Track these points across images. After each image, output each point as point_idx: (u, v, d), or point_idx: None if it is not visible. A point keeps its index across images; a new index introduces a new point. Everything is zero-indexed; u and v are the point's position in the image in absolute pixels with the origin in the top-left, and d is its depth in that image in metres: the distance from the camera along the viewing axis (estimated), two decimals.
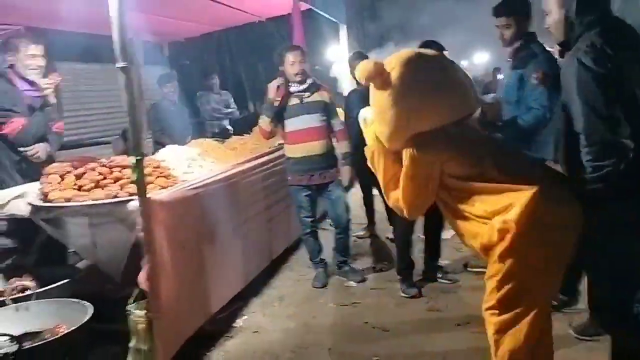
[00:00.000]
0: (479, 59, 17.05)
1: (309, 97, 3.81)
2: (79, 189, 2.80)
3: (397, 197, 2.18)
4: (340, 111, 5.09)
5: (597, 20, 2.04)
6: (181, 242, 2.86)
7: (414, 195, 2.14)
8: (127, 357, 2.76)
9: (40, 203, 2.79)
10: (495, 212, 1.98)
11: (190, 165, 3.38)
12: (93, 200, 2.74)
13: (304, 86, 3.80)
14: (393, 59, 2.17)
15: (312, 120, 3.78)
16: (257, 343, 3.11)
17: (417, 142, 2.09)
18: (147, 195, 2.62)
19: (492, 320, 2.08)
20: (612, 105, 1.90)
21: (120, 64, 2.46)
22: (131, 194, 2.71)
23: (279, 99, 3.77)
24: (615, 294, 2.15)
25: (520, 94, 3.37)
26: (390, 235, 4.89)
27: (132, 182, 2.66)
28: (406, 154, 2.10)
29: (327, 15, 6.20)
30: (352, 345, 3.07)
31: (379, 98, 2.15)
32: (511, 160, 2.15)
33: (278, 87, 3.75)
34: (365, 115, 2.36)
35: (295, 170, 3.87)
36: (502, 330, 2.05)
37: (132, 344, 2.73)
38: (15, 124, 3.34)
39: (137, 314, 2.69)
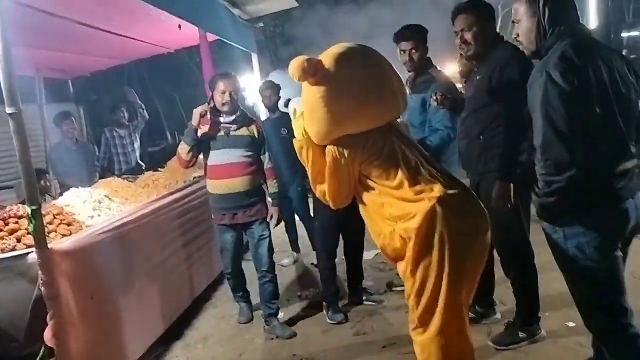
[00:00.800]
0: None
1: (236, 130, 3.50)
2: None
3: (323, 190, 2.26)
4: None
5: (569, 31, 2.01)
6: (90, 292, 2.70)
7: (337, 189, 2.22)
8: None
9: None
10: (400, 218, 2.09)
11: (97, 208, 3.21)
12: None
13: (232, 118, 3.47)
14: (330, 56, 2.14)
15: (236, 156, 3.45)
16: None
17: (340, 142, 2.15)
18: (49, 246, 2.47)
19: (417, 340, 2.16)
20: (571, 125, 1.89)
21: (9, 110, 2.32)
22: (30, 246, 2.53)
23: (204, 127, 3.45)
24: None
25: (423, 117, 3.54)
26: (315, 262, 4.90)
27: (29, 234, 2.49)
28: (329, 152, 2.17)
29: (237, 45, 6.20)
30: None
31: (311, 96, 2.16)
32: (424, 168, 2.19)
33: (203, 114, 3.41)
34: (295, 106, 2.35)
35: (218, 209, 3.56)
36: (426, 347, 2.11)
37: None
38: None
39: None
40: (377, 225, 2.22)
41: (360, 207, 2.32)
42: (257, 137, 3.58)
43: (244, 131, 3.53)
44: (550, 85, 1.90)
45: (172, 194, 3.96)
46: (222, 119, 3.47)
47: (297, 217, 5.12)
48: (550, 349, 2.89)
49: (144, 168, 5.76)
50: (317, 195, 2.34)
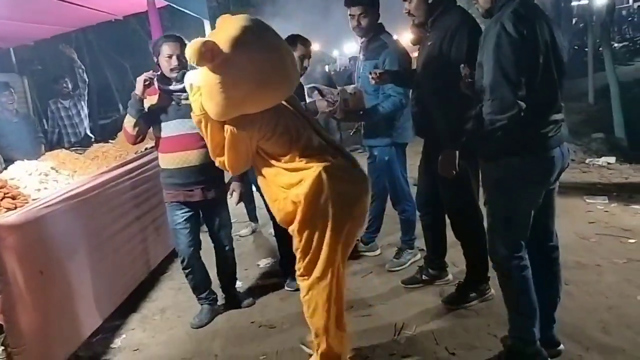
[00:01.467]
0: (348, 49, 17.85)
1: (187, 98, 2.92)
2: None
3: (222, 161, 2.43)
4: None
5: None
6: (38, 266, 2.62)
7: (235, 160, 2.39)
8: None
9: None
10: (291, 185, 2.34)
11: (43, 181, 3.10)
12: None
13: (181, 85, 2.99)
14: (228, 40, 2.13)
15: (190, 126, 2.95)
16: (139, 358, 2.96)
17: (237, 121, 2.29)
18: None
19: (302, 285, 2.47)
20: (518, 69, 2.16)
21: None
22: None
23: (150, 97, 3.13)
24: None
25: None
26: (272, 231, 4.91)
27: None
28: (227, 129, 2.30)
29: (187, 11, 6.00)
30: (240, 347, 3.03)
31: (209, 79, 2.19)
32: (314, 140, 2.40)
33: (147, 81, 3.07)
34: (192, 81, 2.34)
35: (170, 184, 3.19)
36: (308, 291, 2.45)
37: None
38: None
39: None
40: (273, 192, 2.44)
41: (258, 176, 2.49)
42: None
43: None
44: (502, 33, 2.17)
45: (122, 165, 3.85)
46: (171, 87, 3.09)
47: (253, 187, 5.09)
48: (499, 307, 2.98)
49: (93, 140, 5.57)
50: (217, 164, 2.49)
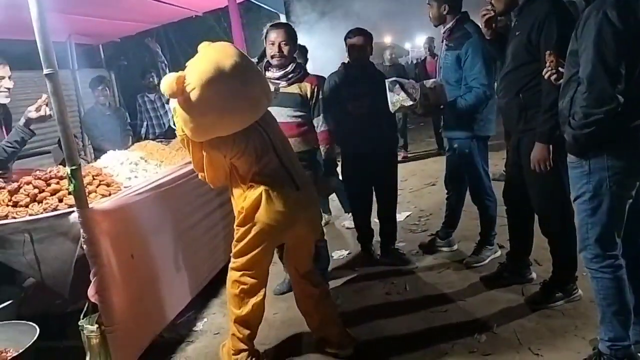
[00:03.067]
0: (420, 41, 17.67)
1: (285, 87, 3.21)
2: (15, 205, 2.65)
3: (203, 175, 2.68)
4: None
5: None
6: (130, 250, 2.77)
7: (213, 176, 2.65)
8: None
9: None
10: (243, 197, 2.63)
11: (134, 170, 3.26)
12: (31, 215, 2.60)
13: (281, 72, 3.17)
14: (194, 78, 2.36)
15: (282, 115, 3.11)
16: (218, 345, 3.05)
17: (212, 142, 2.54)
18: (89, 205, 2.53)
19: (230, 267, 2.75)
20: (619, 61, 2.06)
21: (46, 71, 2.35)
22: (71, 206, 2.59)
23: None
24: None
25: (459, 74, 3.46)
26: (346, 224, 4.93)
27: (70, 193, 2.55)
28: (204, 149, 2.56)
29: (265, 6, 6.11)
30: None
31: (181, 108, 2.43)
32: (269, 162, 2.61)
33: None
34: (174, 105, 2.54)
35: None
36: (233, 283, 2.72)
37: (87, 359, 2.64)
38: None
39: (89, 328, 2.60)
40: (235, 196, 2.71)
41: (231, 186, 2.73)
42: (308, 96, 3.24)
43: (294, 88, 3.22)
44: (605, 22, 2.05)
45: None
46: (270, 74, 3.19)
47: None
48: (587, 308, 2.87)
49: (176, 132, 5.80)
50: (200, 177, 2.73)
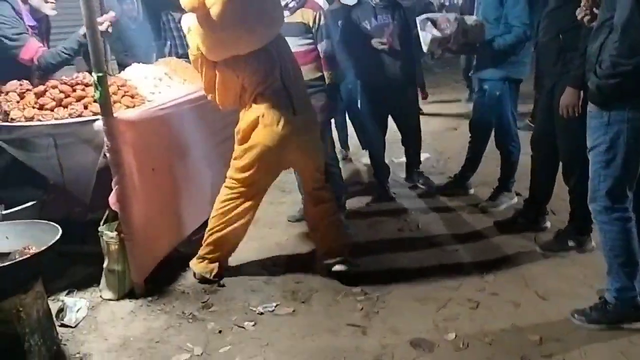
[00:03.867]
0: None
1: (288, 16, 3.26)
2: (41, 108, 2.67)
3: (213, 96, 2.73)
4: None
5: None
6: (151, 163, 2.80)
7: (225, 97, 2.71)
8: (100, 278, 2.79)
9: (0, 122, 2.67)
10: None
11: (157, 85, 3.24)
12: (56, 119, 2.62)
13: (282, 3, 3.20)
14: None
15: (296, 44, 3.22)
16: (232, 262, 3.13)
17: (226, 62, 2.59)
18: (114, 115, 2.54)
19: (222, 193, 2.84)
20: None
21: None
22: (96, 113, 2.61)
23: None
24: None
25: (499, 12, 3.35)
26: (364, 160, 4.92)
27: (95, 101, 2.55)
28: (219, 69, 2.62)
29: None
30: (326, 262, 3.12)
31: (201, 23, 2.46)
32: (273, 84, 2.64)
33: None
34: (190, 24, 2.59)
35: None
36: (224, 201, 2.83)
37: (105, 264, 2.74)
38: (32, 47, 3.03)
39: (109, 235, 2.69)
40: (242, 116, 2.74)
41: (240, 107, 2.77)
42: (310, 23, 3.35)
43: (297, 17, 3.33)
44: None
45: None
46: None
47: (346, 115, 5.07)
48: (597, 260, 2.85)
49: None
50: (209, 99, 2.79)
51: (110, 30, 3.19)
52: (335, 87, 3.52)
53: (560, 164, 3.04)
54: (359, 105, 4.21)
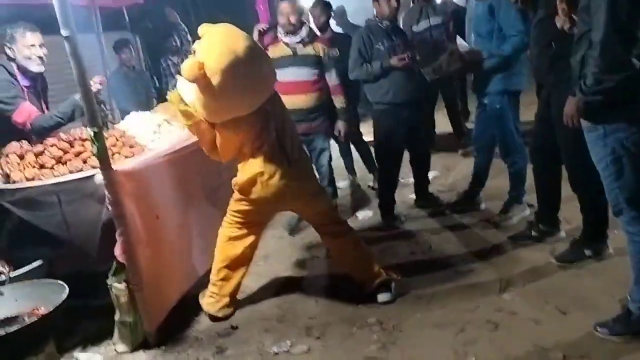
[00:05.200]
0: None
1: (302, 49, 3.74)
2: (41, 167, 2.70)
3: (216, 154, 2.80)
4: None
5: None
6: (155, 211, 2.80)
7: (225, 152, 2.78)
8: (113, 331, 2.77)
9: (2, 185, 2.69)
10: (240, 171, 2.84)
11: (157, 131, 3.27)
12: (56, 177, 2.65)
13: (298, 37, 3.72)
14: (212, 63, 2.47)
15: (302, 74, 3.74)
16: (244, 303, 3.11)
17: (225, 124, 2.68)
18: (113, 167, 2.55)
19: (221, 231, 2.97)
20: (633, 22, 1.94)
21: (64, 33, 2.34)
22: (95, 167, 2.62)
23: (271, 47, 3.71)
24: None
25: (490, 25, 3.36)
26: (371, 184, 4.89)
27: (93, 155, 2.57)
28: (220, 131, 2.70)
29: None
30: (339, 295, 3.07)
31: (201, 94, 2.54)
32: (267, 139, 2.74)
33: (261, 31, 3.68)
34: (182, 90, 2.68)
35: None
36: (225, 237, 2.94)
37: (116, 317, 2.72)
38: (25, 110, 3.08)
39: (117, 287, 2.67)
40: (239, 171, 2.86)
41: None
42: (321, 54, 3.78)
43: (309, 49, 3.75)
44: None
45: None
46: (288, 39, 3.70)
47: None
48: (617, 266, 2.79)
49: None
50: (211, 157, 2.84)
51: (101, 92, 3.24)
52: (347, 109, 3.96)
53: (565, 172, 2.98)
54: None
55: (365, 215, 4.29)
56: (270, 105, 2.78)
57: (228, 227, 2.93)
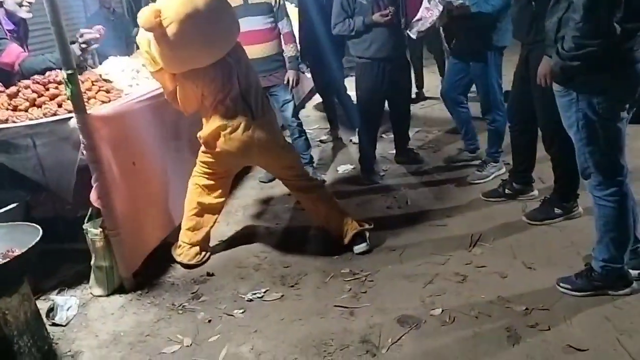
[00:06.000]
0: None
1: None
2: (14, 109, 2.65)
3: (177, 104, 2.79)
4: (293, 9, 4.89)
5: None
6: (131, 157, 2.79)
7: (187, 105, 2.78)
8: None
9: None
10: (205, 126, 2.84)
11: (135, 77, 3.22)
12: (30, 119, 2.61)
13: None
14: (170, 12, 2.42)
15: (256, 23, 3.67)
16: (221, 251, 3.15)
17: (184, 75, 2.67)
18: (87, 111, 2.52)
19: (191, 180, 2.99)
20: None
21: None
22: (70, 111, 2.58)
23: None
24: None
25: None
26: (353, 139, 4.89)
27: (68, 99, 2.53)
28: (179, 81, 2.70)
29: None
30: (315, 246, 3.13)
31: (160, 40, 2.50)
32: (231, 94, 2.74)
33: None
34: (143, 40, 2.65)
35: None
36: (195, 187, 2.97)
37: (92, 261, 2.75)
38: (14, 51, 3.00)
39: (93, 232, 2.69)
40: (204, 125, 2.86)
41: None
42: (273, 2, 3.72)
43: None
44: None
45: None
46: None
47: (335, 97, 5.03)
48: (585, 226, 2.86)
49: None
50: (174, 107, 2.83)
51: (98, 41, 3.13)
52: (298, 58, 3.98)
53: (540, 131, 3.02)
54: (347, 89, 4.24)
55: (345, 169, 4.32)
56: (233, 57, 2.74)
57: (197, 177, 2.96)
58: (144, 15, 2.43)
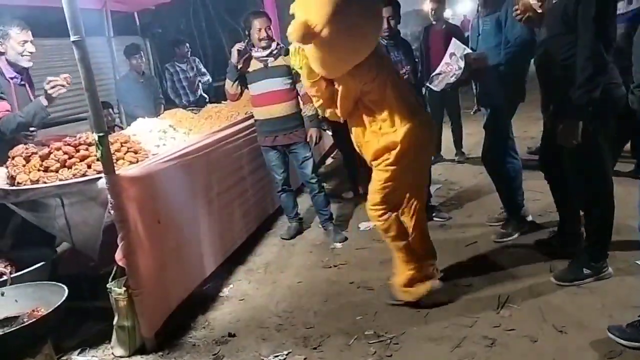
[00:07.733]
0: (463, 8, 17.34)
1: (273, 62, 3.85)
2: (46, 170, 2.73)
3: (332, 111, 2.83)
4: None
5: None
6: (156, 216, 2.83)
7: (345, 107, 2.77)
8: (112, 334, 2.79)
9: (8, 187, 2.73)
10: (385, 132, 2.73)
11: (162, 137, 3.31)
12: (60, 180, 2.68)
13: (267, 52, 3.83)
14: (317, 18, 2.41)
15: (275, 84, 3.85)
16: (243, 310, 3.12)
17: (349, 73, 2.64)
18: (116, 172, 2.58)
19: (373, 215, 2.90)
20: (611, 29, 2.22)
21: (73, 38, 2.38)
22: (99, 172, 2.65)
23: (242, 62, 3.84)
24: None
25: (499, 38, 3.39)
26: None
27: (98, 160, 2.60)
28: (342, 83, 2.69)
29: None
30: (338, 305, 3.08)
31: (315, 51, 2.54)
32: (403, 87, 2.79)
33: (239, 50, 3.80)
34: (294, 60, 2.72)
35: (262, 132, 4.00)
36: (382, 216, 2.87)
37: (115, 321, 2.74)
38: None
39: (117, 291, 2.69)
40: (368, 135, 2.79)
41: (349, 119, 2.84)
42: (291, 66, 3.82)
43: (280, 61, 3.85)
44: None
45: (234, 124, 4.02)
46: (257, 53, 3.83)
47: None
48: (616, 287, 2.78)
49: (207, 100, 5.85)
50: (327, 115, 2.88)
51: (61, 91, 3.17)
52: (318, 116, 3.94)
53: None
54: None
55: (367, 226, 4.30)
56: (378, 57, 2.73)
57: (388, 229, 2.88)
58: (294, 29, 2.44)
